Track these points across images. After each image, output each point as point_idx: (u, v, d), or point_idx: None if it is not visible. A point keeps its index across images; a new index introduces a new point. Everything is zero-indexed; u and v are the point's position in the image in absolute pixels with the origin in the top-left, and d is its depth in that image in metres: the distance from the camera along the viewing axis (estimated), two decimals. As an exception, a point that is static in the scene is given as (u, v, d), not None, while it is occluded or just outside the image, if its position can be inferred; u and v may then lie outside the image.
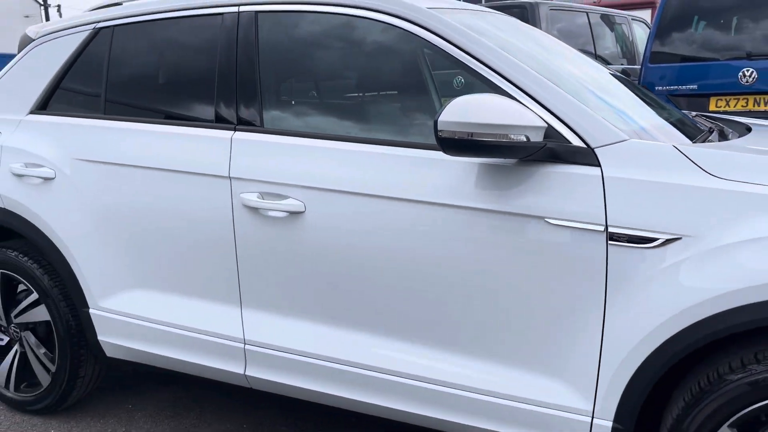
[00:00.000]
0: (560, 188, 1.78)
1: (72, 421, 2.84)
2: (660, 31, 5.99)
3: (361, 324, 2.09)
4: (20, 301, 2.82)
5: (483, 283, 1.88)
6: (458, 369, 1.96)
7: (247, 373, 2.29)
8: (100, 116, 2.58)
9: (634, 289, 1.72)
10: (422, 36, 2.04)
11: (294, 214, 2.10)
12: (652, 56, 5.96)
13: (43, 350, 2.78)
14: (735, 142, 2.05)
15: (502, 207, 1.83)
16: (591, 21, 7.93)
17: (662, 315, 1.68)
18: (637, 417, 1.78)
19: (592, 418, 1.82)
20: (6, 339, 2.90)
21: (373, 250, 2.01)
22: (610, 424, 1.80)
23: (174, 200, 2.33)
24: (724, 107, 5.54)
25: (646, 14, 12.22)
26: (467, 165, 1.90)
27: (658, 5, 14.03)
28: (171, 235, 2.36)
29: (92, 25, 2.68)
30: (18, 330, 2.83)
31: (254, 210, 2.17)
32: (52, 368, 2.76)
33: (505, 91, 1.90)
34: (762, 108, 5.36)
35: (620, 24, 8.51)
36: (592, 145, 1.79)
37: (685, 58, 5.87)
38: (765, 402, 1.61)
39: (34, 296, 2.73)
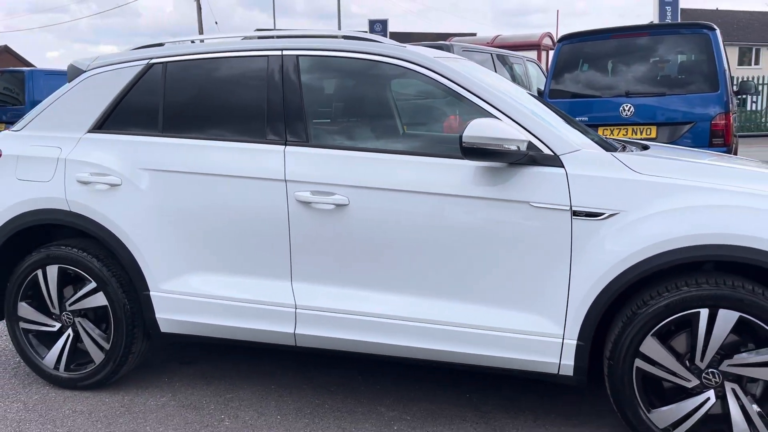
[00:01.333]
0: (538, 182, 2.63)
1: (121, 392, 3.34)
2: (556, 73, 7.21)
3: (393, 286, 2.83)
4: (71, 293, 3.31)
5: (486, 249, 2.69)
6: (470, 313, 2.75)
7: (296, 331, 2.96)
8: (158, 134, 3.17)
9: (589, 248, 2.59)
10: (433, 78, 2.85)
11: (340, 206, 2.82)
12: (551, 93, 7.15)
13: (98, 331, 3.28)
14: (643, 152, 3.00)
15: (499, 196, 2.66)
16: (494, 59, 9.12)
17: (607, 265, 2.55)
18: (593, 336, 2.64)
19: (563, 339, 2.66)
20: (57, 326, 3.36)
21: (402, 230, 2.77)
22: (575, 341, 2.64)
23: (235, 198, 2.97)
24: (609, 135, 6.75)
25: (532, 54, 13.82)
26: (470, 168, 2.71)
27: (541, 47, 15.65)
28: (230, 226, 2.99)
29: (145, 61, 3.28)
30: (71, 316, 3.31)
31: (307, 204, 2.87)
32: (107, 346, 3.26)
33: (496, 117, 2.74)
34: (639, 136, 6.62)
35: (517, 63, 9.78)
36: (558, 153, 2.66)
37: (575, 95, 7.08)
38: (673, 317, 2.52)
39: (92, 285, 3.23)
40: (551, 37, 15.11)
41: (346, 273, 2.89)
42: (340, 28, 29.52)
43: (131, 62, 3.31)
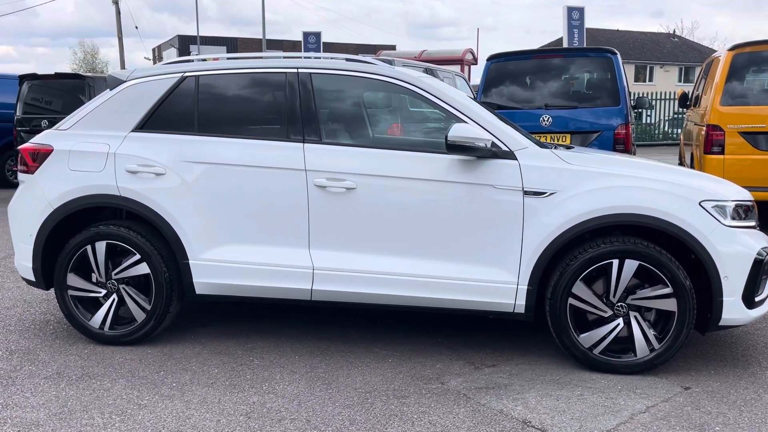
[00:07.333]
0: (499, 170, 3.60)
1: (158, 345, 4.05)
2: (485, 88, 8.33)
3: (390, 250, 3.71)
4: (115, 264, 4.00)
5: (461, 220, 3.63)
6: (449, 268, 3.66)
7: (313, 287, 3.78)
8: (195, 133, 3.92)
9: (536, 218, 3.57)
10: (418, 93, 3.78)
11: (349, 189, 3.69)
12: (481, 105, 8.24)
13: (141, 295, 3.98)
14: (570, 150, 4.03)
15: (471, 180, 3.61)
16: (428, 73, 10.17)
17: (548, 230, 3.55)
18: (538, 283, 3.62)
19: (517, 285, 3.63)
20: (103, 292, 4.03)
21: (398, 207, 3.66)
22: (526, 287, 3.62)
23: (263, 184, 3.77)
24: (532, 142, 7.88)
25: (455, 68, 15.08)
26: (448, 160, 3.64)
27: (464, 62, 16.84)
28: (258, 206, 3.79)
29: (180, 74, 4.02)
30: (116, 284, 4.00)
31: (323, 188, 3.71)
32: (148, 307, 3.97)
33: (465, 122, 3.68)
34: (558, 143, 7.80)
35: (447, 77, 10.89)
36: (512, 149, 3.64)
37: (501, 107, 8.21)
38: (595, 266, 3.53)
39: (136, 257, 3.93)
40: (472, 53, 16.45)
41: (353, 241, 3.75)
42: (264, 36, 30.07)
43: (167, 74, 4.04)
